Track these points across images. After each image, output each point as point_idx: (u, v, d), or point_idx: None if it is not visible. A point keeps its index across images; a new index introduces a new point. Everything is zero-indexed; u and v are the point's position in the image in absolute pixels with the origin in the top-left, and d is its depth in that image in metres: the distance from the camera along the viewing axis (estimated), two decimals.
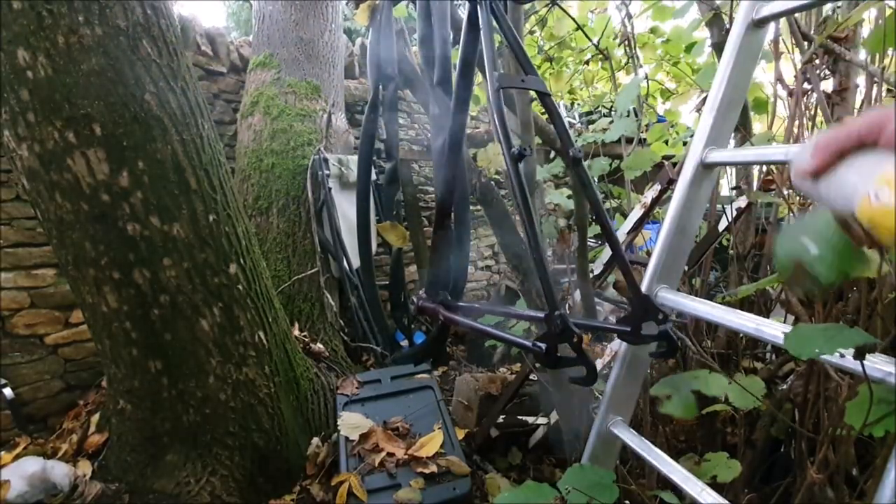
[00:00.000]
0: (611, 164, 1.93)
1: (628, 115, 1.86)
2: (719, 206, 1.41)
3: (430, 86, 1.47)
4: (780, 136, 1.30)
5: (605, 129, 2.05)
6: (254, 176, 2.44)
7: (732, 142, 1.04)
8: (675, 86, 2.26)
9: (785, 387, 1.11)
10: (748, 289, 0.73)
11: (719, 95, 0.76)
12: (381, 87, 1.92)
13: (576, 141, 2.06)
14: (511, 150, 0.83)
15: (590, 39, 2.06)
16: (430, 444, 1.46)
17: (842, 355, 0.56)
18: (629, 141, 1.81)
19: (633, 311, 0.82)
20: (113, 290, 1.34)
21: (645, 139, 1.97)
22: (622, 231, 1.61)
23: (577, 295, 1.57)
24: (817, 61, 1.18)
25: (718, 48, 1.29)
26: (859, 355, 0.54)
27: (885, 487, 0.50)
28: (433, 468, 1.38)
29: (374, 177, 2.47)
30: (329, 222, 2.46)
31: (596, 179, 2.01)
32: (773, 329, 0.65)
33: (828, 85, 1.23)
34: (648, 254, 1.70)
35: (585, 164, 1.52)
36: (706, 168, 0.79)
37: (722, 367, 1.17)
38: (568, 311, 1.52)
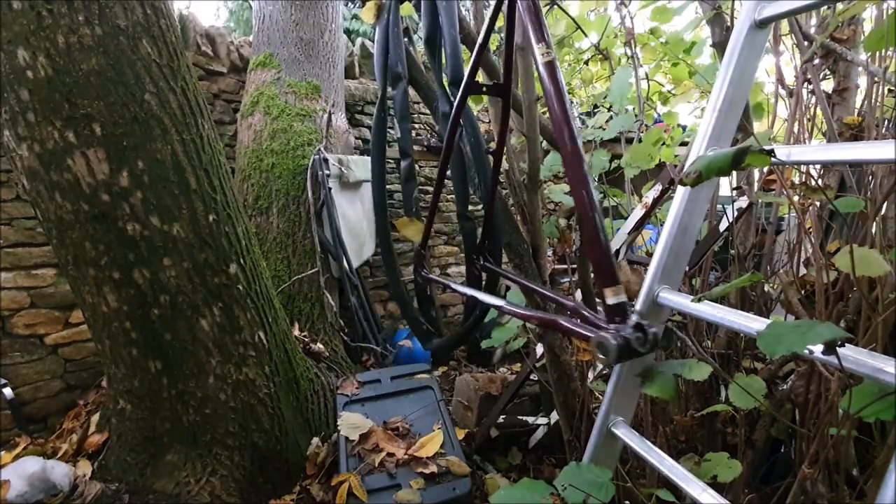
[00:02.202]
0: (610, 162, 1.93)
1: (626, 112, 1.86)
2: (720, 207, 1.41)
3: (437, 85, 1.47)
4: (780, 137, 1.30)
5: (601, 128, 2.04)
6: (254, 176, 2.44)
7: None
8: (672, 88, 2.25)
9: (785, 387, 1.11)
10: (723, 290, 0.73)
11: (721, 96, 0.76)
12: (388, 86, 1.91)
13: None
14: None
15: (589, 38, 2.06)
16: (430, 444, 1.46)
17: (810, 351, 0.56)
18: (629, 141, 1.81)
19: None
20: (113, 290, 1.34)
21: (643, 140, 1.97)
22: (622, 231, 1.61)
23: (578, 295, 1.57)
24: (818, 61, 1.18)
25: (720, 47, 1.29)
26: (829, 350, 0.54)
27: (885, 487, 0.50)
28: (433, 468, 1.38)
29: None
30: (329, 222, 2.46)
31: (595, 178, 2.01)
32: None
33: (828, 85, 1.23)
34: (648, 253, 1.70)
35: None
36: None
37: (722, 367, 1.18)
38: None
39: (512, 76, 1.18)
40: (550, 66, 0.81)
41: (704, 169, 0.57)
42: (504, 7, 1.04)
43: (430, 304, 2.59)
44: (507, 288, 1.99)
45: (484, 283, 1.56)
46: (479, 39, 1.10)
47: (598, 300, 1.48)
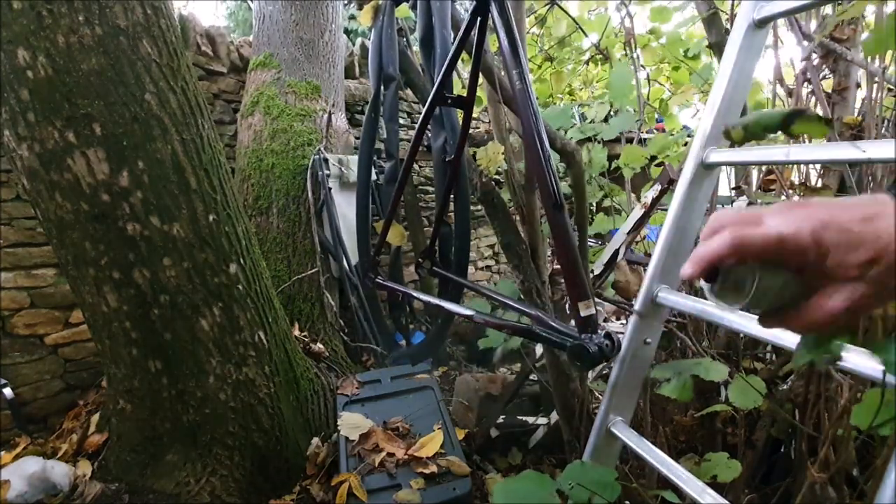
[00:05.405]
0: (610, 164, 1.93)
1: (626, 111, 1.86)
2: (719, 206, 1.41)
3: (430, 85, 1.48)
4: (780, 137, 1.30)
5: (594, 122, 2.04)
6: (254, 176, 2.44)
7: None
8: (671, 95, 2.25)
9: (785, 387, 1.11)
10: None
11: (720, 95, 0.76)
12: (382, 87, 1.93)
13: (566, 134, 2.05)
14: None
15: (589, 39, 2.06)
16: (430, 444, 1.46)
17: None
18: (629, 141, 1.81)
19: None
20: (113, 290, 1.34)
21: (645, 140, 1.97)
22: (622, 231, 1.61)
23: None
24: (818, 61, 1.18)
25: (717, 48, 1.29)
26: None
27: (885, 488, 0.50)
28: (433, 468, 1.38)
29: (374, 176, 2.47)
30: (329, 222, 2.46)
31: (597, 177, 2.00)
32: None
33: (828, 84, 1.23)
34: (648, 254, 1.70)
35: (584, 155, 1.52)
36: (706, 168, 0.78)
37: None
38: (567, 311, 1.52)
39: (476, 91, 1.20)
40: (523, 94, 0.84)
41: (753, 124, 0.55)
42: (476, 26, 1.05)
43: (402, 311, 2.60)
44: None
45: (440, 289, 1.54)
46: (450, 54, 1.11)
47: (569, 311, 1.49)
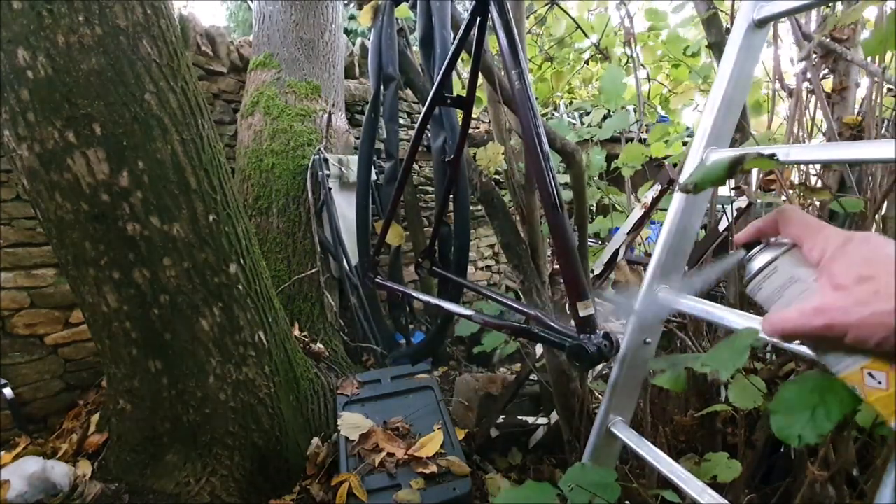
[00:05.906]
0: (609, 164, 1.93)
1: (623, 111, 1.86)
2: (719, 206, 1.41)
3: (430, 85, 1.48)
4: (780, 135, 1.30)
5: (598, 125, 2.05)
6: (254, 176, 2.44)
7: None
8: (669, 91, 2.25)
9: None
10: None
11: (720, 95, 0.76)
12: (382, 87, 1.93)
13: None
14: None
15: (589, 38, 2.06)
16: (430, 444, 1.46)
17: None
18: (629, 140, 1.81)
19: None
20: (113, 290, 1.34)
21: (645, 139, 1.97)
22: (622, 231, 1.61)
23: None
24: (817, 60, 1.18)
25: (716, 47, 1.29)
26: None
27: (885, 487, 0.50)
28: (433, 468, 1.38)
29: (374, 176, 2.47)
30: (329, 222, 2.46)
31: (596, 178, 2.01)
32: None
33: (828, 84, 1.23)
34: (648, 254, 1.70)
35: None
36: None
37: None
38: (567, 311, 1.52)
39: (476, 91, 1.21)
40: (523, 94, 0.85)
41: (700, 180, 0.57)
42: (475, 26, 1.05)
43: (402, 311, 2.61)
44: (518, 295, 1.98)
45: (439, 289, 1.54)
46: (449, 55, 1.11)
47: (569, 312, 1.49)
